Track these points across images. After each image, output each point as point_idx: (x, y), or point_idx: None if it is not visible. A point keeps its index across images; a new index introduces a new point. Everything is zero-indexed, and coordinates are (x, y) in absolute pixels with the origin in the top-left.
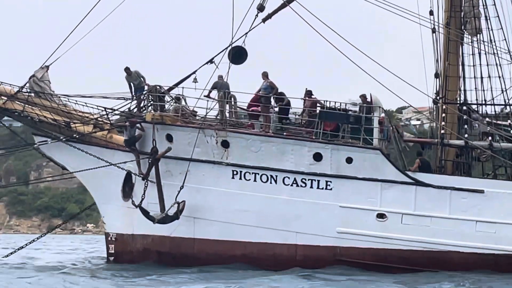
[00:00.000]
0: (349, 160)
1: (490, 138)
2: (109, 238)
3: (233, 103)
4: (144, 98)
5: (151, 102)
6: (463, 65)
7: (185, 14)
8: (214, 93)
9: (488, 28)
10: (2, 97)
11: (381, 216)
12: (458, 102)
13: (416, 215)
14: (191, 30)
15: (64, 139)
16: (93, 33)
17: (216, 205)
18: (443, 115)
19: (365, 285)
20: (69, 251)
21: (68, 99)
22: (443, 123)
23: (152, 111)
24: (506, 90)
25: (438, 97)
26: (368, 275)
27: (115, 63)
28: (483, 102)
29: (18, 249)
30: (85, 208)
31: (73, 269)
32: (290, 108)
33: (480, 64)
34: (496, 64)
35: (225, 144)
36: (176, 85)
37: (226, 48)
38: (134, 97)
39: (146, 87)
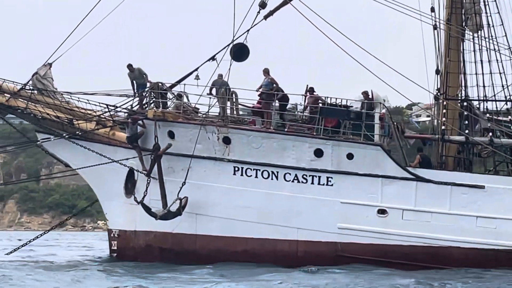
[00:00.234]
0: (350, 156)
1: (490, 134)
2: (112, 235)
3: (234, 100)
4: (146, 95)
5: (153, 99)
6: (464, 61)
7: (187, 11)
8: (214, 92)
9: (489, 25)
10: (6, 95)
11: (382, 212)
12: (459, 98)
13: (417, 210)
14: (193, 27)
15: (67, 136)
16: (95, 30)
17: (217, 201)
18: (444, 111)
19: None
20: (82, 248)
21: (70, 96)
22: (444, 119)
23: (154, 108)
24: (508, 87)
25: (439, 93)
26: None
27: (117, 60)
28: (484, 98)
29: (22, 246)
30: (88, 205)
31: (86, 266)
32: (288, 103)
33: (481, 61)
34: (497, 60)
35: (227, 141)
36: (178, 82)
37: (228, 45)
38: (137, 94)
39: (148, 84)
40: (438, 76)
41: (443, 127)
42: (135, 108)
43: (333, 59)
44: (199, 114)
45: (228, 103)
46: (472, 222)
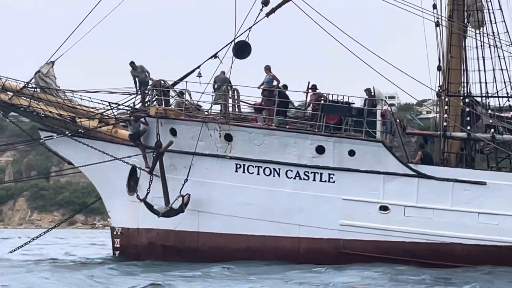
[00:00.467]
0: (351, 153)
1: (492, 130)
2: (115, 233)
3: (236, 97)
4: (149, 92)
5: (156, 97)
6: (465, 58)
7: (189, 9)
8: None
9: (491, 21)
10: (8, 93)
11: (383, 208)
12: (462, 94)
13: (419, 207)
14: (196, 25)
15: (69, 134)
16: (97, 28)
17: (219, 198)
18: (446, 107)
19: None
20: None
21: (73, 94)
22: (445, 115)
23: (157, 105)
24: (510, 83)
25: (441, 90)
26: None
27: (119, 58)
28: (486, 94)
29: (25, 244)
30: (92, 202)
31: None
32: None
33: (484, 57)
34: (499, 57)
35: (228, 138)
36: (181, 79)
37: (230, 42)
38: (139, 92)
39: (150, 82)
40: (440, 72)
41: (445, 124)
42: (137, 106)
43: (335, 57)
44: (201, 111)
45: (230, 100)
46: (474, 218)
